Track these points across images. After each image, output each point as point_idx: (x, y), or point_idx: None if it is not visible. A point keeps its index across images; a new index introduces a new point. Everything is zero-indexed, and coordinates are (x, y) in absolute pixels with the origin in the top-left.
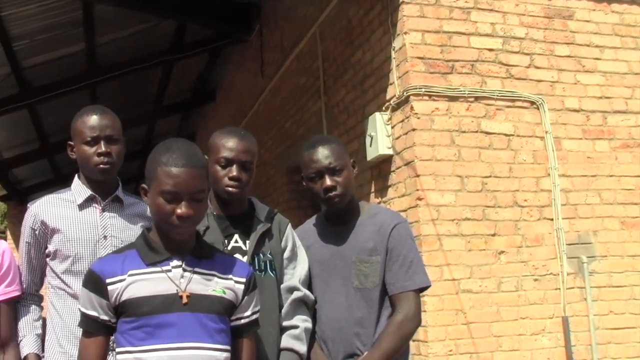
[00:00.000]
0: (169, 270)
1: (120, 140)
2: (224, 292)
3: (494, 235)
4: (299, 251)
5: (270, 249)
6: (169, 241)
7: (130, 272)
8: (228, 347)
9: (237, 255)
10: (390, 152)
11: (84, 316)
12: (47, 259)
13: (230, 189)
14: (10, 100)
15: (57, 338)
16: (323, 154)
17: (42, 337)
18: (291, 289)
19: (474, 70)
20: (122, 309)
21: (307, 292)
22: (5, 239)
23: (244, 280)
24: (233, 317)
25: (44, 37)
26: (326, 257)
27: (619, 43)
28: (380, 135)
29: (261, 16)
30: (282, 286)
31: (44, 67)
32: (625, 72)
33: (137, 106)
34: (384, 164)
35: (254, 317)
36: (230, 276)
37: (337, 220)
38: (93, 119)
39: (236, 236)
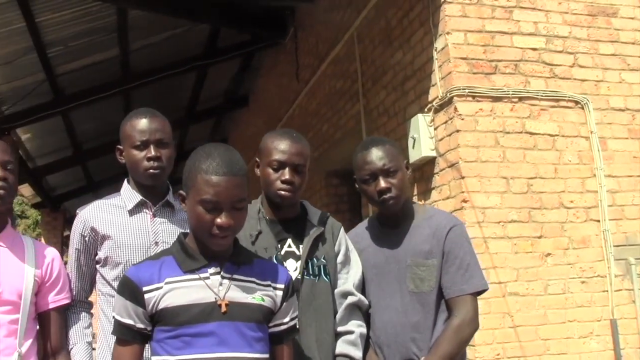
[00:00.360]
0: (207, 278)
1: (170, 144)
2: (263, 300)
3: (540, 237)
4: (351, 255)
5: (324, 254)
6: (206, 247)
7: (167, 279)
8: (267, 356)
9: (291, 260)
10: (434, 154)
11: (119, 324)
12: (97, 266)
13: (282, 192)
14: (45, 107)
15: (109, 346)
16: (377, 156)
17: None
18: (345, 294)
19: (518, 70)
20: (158, 318)
21: (362, 297)
22: None
23: (282, 286)
24: (271, 324)
25: (78, 43)
26: (380, 261)
27: None
28: (423, 137)
29: (295, 20)
30: (336, 291)
31: (77, 73)
32: None
33: (169, 112)
34: (427, 166)
35: (292, 323)
36: (269, 282)
37: (391, 223)
38: (142, 123)
39: (289, 240)
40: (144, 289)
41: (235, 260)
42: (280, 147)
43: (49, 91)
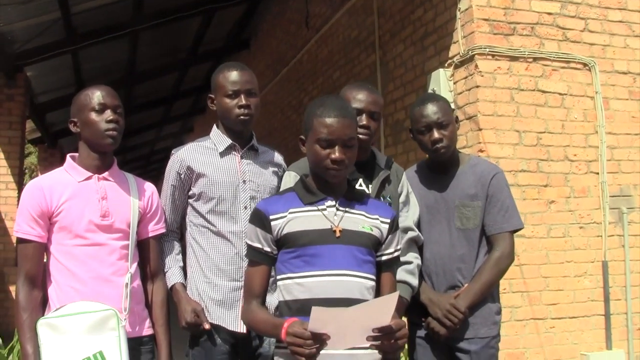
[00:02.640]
0: (324, 209)
1: (257, 94)
2: (371, 229)
3: (546, 186)
4: (410, 197)
5: (390, 193)
6: (324, 185)
7: (291, 210)
8: (373, 277)
9: None
10: (452, 106)
11: (250, 248)
12: (190, 200)
13: (360, 136)
14: (57, 45)
15: (202, 269)
16: (432, 110)
17: (183, 269)
18: (406, 229)
19: (534, 32)
20: (283, 242)
21: (419, 233)
22: None
23: (388, 220)
24: (378, 253)
25: None
26: (431, 202)
27: None
28: (443, 90)
29: None
30: None
31: (92, 13)
32: None
33: (172, 53)
34: None
35: (396, 254)
36: (377, 216)
37: (440, 169)
38: (234, 74)
39: (360, 180)
40: (271, 217)
41: (349, 196)
42: (358, 96)
43: (62, 30)
